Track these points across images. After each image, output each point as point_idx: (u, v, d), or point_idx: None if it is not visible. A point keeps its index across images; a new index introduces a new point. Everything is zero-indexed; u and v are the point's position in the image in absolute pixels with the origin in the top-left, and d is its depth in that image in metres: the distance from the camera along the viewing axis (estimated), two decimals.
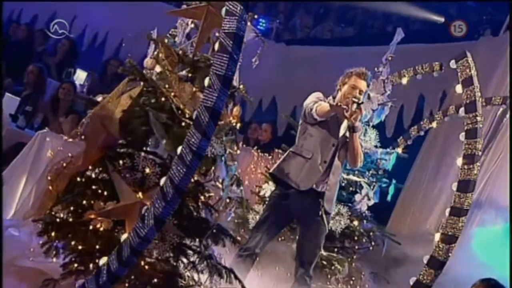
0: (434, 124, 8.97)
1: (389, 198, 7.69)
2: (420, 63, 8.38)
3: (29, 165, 7.07)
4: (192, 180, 4.70)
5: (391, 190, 7.57)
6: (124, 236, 4.02)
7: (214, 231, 4.76)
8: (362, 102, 5.82)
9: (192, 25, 5.07)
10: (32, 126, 8.37)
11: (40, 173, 6.87)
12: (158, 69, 4.84)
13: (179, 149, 3.81)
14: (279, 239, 6.78)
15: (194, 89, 4.75)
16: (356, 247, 7.35)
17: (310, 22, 14.62)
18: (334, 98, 6.13)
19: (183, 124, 4.69)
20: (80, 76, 11.14)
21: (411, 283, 5.28)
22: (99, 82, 11.51)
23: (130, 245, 3.76)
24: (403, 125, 11.81)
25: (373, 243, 7.42)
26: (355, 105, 5.67)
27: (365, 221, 7.32)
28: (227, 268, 4.74)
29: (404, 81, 8.00)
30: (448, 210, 5.23)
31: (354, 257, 7.41)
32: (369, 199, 7.22)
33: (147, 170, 4.64)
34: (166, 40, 4.95)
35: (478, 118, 5.12)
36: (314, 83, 12.57)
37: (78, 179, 4.75)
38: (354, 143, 5.86)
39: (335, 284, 7.08)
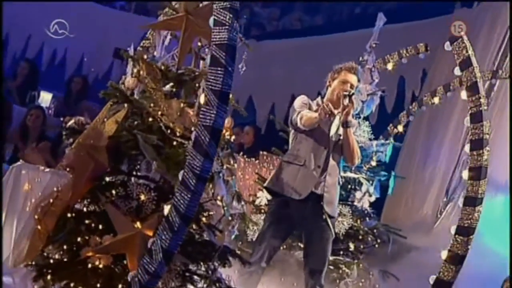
0: (423, 108, 8.92)
1: (390, 191, 7.64)
2: (397, 44, 8.37)
3: (7, 202, 6.89)
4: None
5: (392, 182, 7.52)
6: (131, 274, 3.87)
7: (220, 252, 4.63)
8: (353, 93, 5.74)
9: (170, 37, 4.92)
10: (4, 159, 8.17)
11: (19, 209, 6.72)
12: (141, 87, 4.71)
13: (180, 174, 3.68)
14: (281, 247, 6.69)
15: (181, 104, 4.63)
16: (362, 246, 7.28)
17: (277, 14, 14.52)
18: (322, 97, 6.05)
19: (174, 143, 4.58)
20: (45, 98, 10.95)
21: (431, 281, 5.18)
22: (64, 102, 11.34)
23: (140, 284, 3.63)
24: (386, 110, 11.75)
25: (378, 240, 7.36)
26: (346, 99, 5.61)
27: (367, 218, 7.25)
28: None
29: (390, 66, 7.97)
30: (461, 200, 5.12)
31: (361, 257, 7.35)
32: (370, 195, 7.17)
33: (142, 197, 4.50)
34: (145, 56, 4.80)
35: (482, 100, 5.05)
36: (290, 78, 12.64)
37: (69, 214, 4.59)
38: (349, 139, 5.77)
39: (344, 286, 7.00)
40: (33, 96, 10.75)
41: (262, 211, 6.90)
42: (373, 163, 7.43)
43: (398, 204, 10.54)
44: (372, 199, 7.26)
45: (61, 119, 10.69)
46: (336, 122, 5.79)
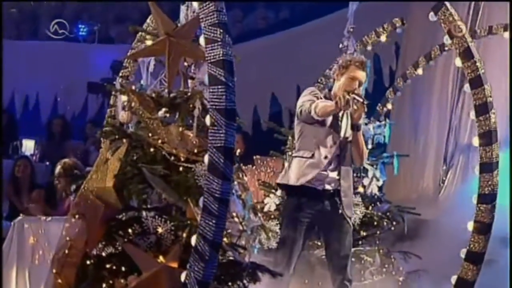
0: (408, 82, 8.84)
1: (396, 172, 7.57)
2: (365, 23, 8.30)
3: (15, 259, 6.78)
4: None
5: (396, 162, 7.44)
6: None
7: (249, 269, 4.52)
8: (368, 102, 5.60)
9: (154, 62, 4.81)
10: (1, 216, 8.03)
11: (29, 263, 6.64)
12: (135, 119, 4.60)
13: (200, 201, 3.57)
14: None
15: (180, 129, 4.52)
16: (378, 232, 7.21)
17: (240, 15, 14.43)
18: (330, 90, 5.94)
19: (180, 169, 4.47)
20: (28, 145, 10.81)
21: (463, 255, 5.10)
22: (48, 145, 11.20)
23: None
24: (367, 90, 11.67)
25: (394, 223, 7.28)
26: (356, 102, 5.45)
27: (378, 203, 7.18)
28: None
29: (370, 47, 7.91)
30: (476, 168, 5.03)
31: (377, 242, 7.28)
32: (377, 180, 7.09)
33: (160, 230, 4.38)
34: (134, 87, 4.68)
35: (478, 64, 4.96)
36: (266, 77, 12.57)
37: (88, 262, 4.47)
38: (358, 142, 5.72)
39: (370, 277, 6.92)
40: (16, 146, 10.62)
41: (272, 216, 6.80)
42: (370, 146, 7.34)
43: (397, 183, 10.45)
44: (380, 183, 7.20)
45: (47, 163, 10.65)
46: (346, 124, 5.70)
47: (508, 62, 10.11)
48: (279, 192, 6.83)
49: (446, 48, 8.30)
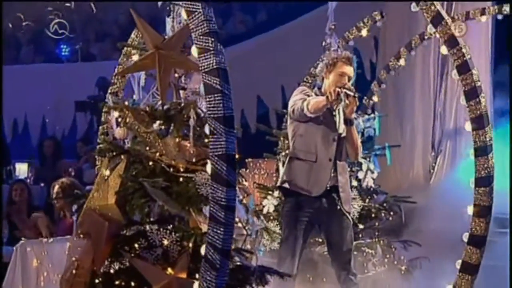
0: (392, 73, 8.82)
1: (389, 162, 7.55)
2: (345, 19, 8.29)
3: (20, 283, 6.72)
4: None
5: (388, 153, 7.43)
6: None
7: (258, 274, 4.48)
8: (359, 95, 5.59)
9: (145, 76, 4.76)
10: (2, 242, 7.95)
11: (34, 286, 6.60)
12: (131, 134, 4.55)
13: (206, 210, 3.52)
14: None
15: (176, 140, 4.47)
16: (377, 224, 7.19)
17: (219, 22, 14.37)
18: (319, 89, 5.91)
19: (180, 179, 4.42)
20: (22, 169, 10.72)
21: (465, 239, 5.07)
22: (41, 167, 11.12)
23: None
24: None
25: (391, 213, 7.26)
26: (347, 96, 5.45)
27: (375, 195, 7.17)
28: None
29: (352, 42, 7.91)
30: (471, 152, 5.01)
31: (377, 234, 7.26)
32: (372, 172, 7.08)
33: (166, 242, 4.34)
34: (126, 103, 4.63)
35: (464, 50, 4.94)
36: (251, 81, 12.51)
37: (97, 280, 4.42)
38: (352, 136, 5.71)
39: (373, 269, 6.90)
40: (9, 170, 10.52)
41: (271, 217, 6.77)
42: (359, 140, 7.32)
43: (387, 173, 10.39)
44: (375, 175, 7.19)
45: (41, 185, 10.55)
46: (341, 120, 5.67)
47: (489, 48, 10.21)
48: (276, 193, 6.80)
49: (425, 37, 8.32)
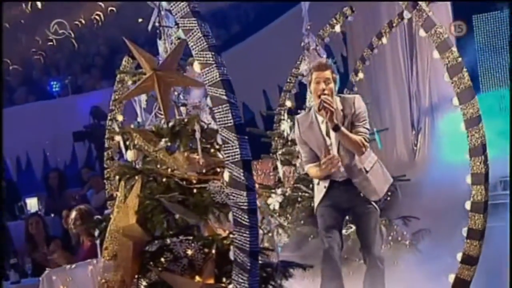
0: (367, 63, 8.77)
1: (379, 146, 7.47)
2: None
3: None
4: (231, 235, 4.39)
5: (377, 138, 7.36)
6: None
7: (281, 268, 4.40)
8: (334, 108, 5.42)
9: (146, 97, 4.67)
10: (26, 274, 7.82)
11: None
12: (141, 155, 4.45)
13: (230, 215, 3.44)
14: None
15: (185, 154, 4.39)
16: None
17: None
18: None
19: (194, 191, 4.34)
20: (32, 203, 10.58)
21: (468, 207, 5.01)
22: (49, 199, 10.99)
23: None
24: None
25: (389, 193, 7.17)
26: (322, 105, 5.32)
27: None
28: None
29: (327, 39, 7.85)
30: (462, 125, 4.94)
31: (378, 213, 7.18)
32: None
33: (189, 252, 4.25)
34: (132, 126, 4.54)
35: (441, 30, 4.87)
36: (235, 91, 12.43)
37: None
38: (345, 139, 5.40)
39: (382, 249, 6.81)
40: (21, 206, 10.38)
41: (277, 214, 6.68)
42: None
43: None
44: None
45: (52, 215, 10.42)
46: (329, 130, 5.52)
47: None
48: (279, 191, 6.71)
49: (394, 25, 8.28)
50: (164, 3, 3.47)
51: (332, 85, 5.46)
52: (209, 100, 3.33)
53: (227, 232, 4.41)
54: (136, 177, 4.36)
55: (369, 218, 5.50)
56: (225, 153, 3.31)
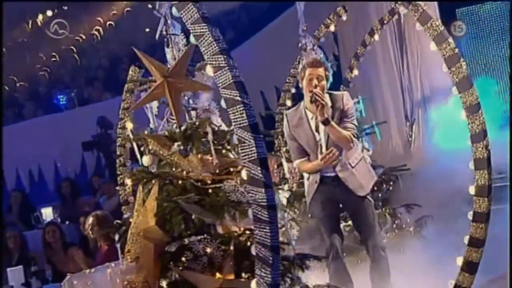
0: (361, 60, 8.71)
1: (379, 137, 7.45)
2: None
3: None
4: (247, 232, 4.34)
5: (377, 130, 7.33)
6: None
7: (297, 261, 4.34)
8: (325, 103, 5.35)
9: (157, 103, 4.61)
10: (47, 281, 7.77)
11: None
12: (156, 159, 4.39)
13: (250, 212, 3.38)
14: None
15: (198, 156, 4.33)
16: (380, 195, 7.08)
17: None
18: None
19: (210, 191, 4.28)
20: (47, 213, 10.53)
21: (472, 191, 4.94)
22: (63, 207, 10.93)
23: None
24: None
25: (391, 183, 7.16)
26: (314, 99, 5.28)
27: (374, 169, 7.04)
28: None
29: (323, 39, 7.80)
30: (462, 113, 4.87)
31: (381, 204, 7.15)
32: (368, 150, 6.95)
33: (209, 250, 4.19)
34: (146, 132, 4.49)
35: (437, 23, 4.81)
36: None
37: None
38: (335, 133, 5.37)
39: (386, 236, 6.78)
40: (37, 216, 10.32)
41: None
42: None
43: None
44: (370, 152, 7.06)
45: (66, 222, 10.35)
46: (319, 124, 5.46)
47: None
48: (286, 187, 6.65)
49: (385, 22, 8.23)
50: (174, 10, 3.38)
51: (324, 82, 5.44)
52: (222, 103, 3.25)
53: (242, 229, 4.36)
54: (153, 181, 4.30)
55: (365, 211, 5.48)
56: (241, 153, 3.24)
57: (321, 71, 5.43)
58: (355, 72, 8.68)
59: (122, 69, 15.94)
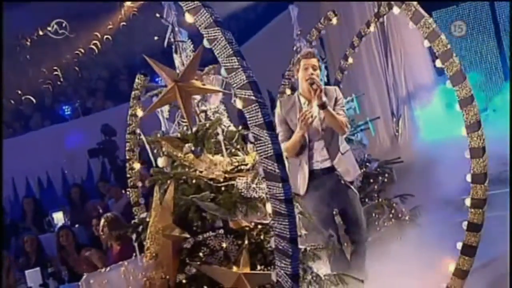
0: (350, 60, 8.63)
1: (373, 133, 7.39)
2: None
3: None
4: (259, 226, 4.27)
5: (371, 126, 7.27)
6: None
7: (309, 252, 4.28)
8: (315, 80, 5.32)
9: (169, 107, 4.53)
10: (64, 281, 7.66)
11: None
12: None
13: (268, 207, 3.31)
14: None
15: (210, 156, 4.26)
16: (376, 187, 7.02)
17: None
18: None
19: (223, 189, 4.21)
20: (59, 217, 10.40)
21: (469, 179, 4.88)
22: (72, 212, 10.81)
23: None
24: None
25: (386, 175, 7.10)
26: (313, 85, 5.25)
27: (368, 163, 6.99)
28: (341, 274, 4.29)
29: (315, 42, 7.74)
30: (456, 106, 4.81)
31: (377, 195, 7.09)
32: (364, 145, 6.90)
33: (224, 245, 4.12)
34: (158, 135, 4.40)
35: (430, 21, 4.75)
36: (228, 98, 12.28)
37: None
38: (330, 117, 5.33)
39: (384, 225, 6.73)
40: (49, 221, 10.21)
41: None
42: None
43: None
44: (366, 147, 7.01)
45: (76, 225, 10.23)
46: (315, 108, 5.40)
47: None
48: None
49: (371, 24, 8.17)
50: (187, 16, 3.30)
51: (318, 71, 5.48)
52: (238, 103, 3.17)
53: (252, 224, 4.29)
54: (168, 181, 4.22)
55: (353, 203, 5.45)
56: (258, 150, 3.16)
57: (314, 61, 5.47)
58: (346, 72, 8.61)
59: (121, 79, 15.88)
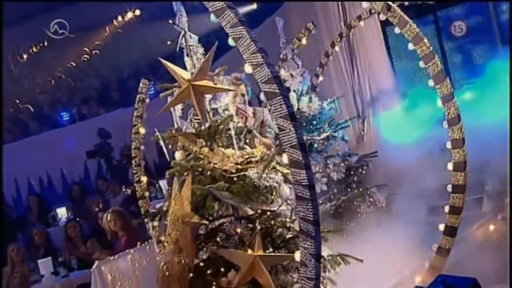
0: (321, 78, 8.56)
1: (351, 129, 7.28)
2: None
3: None
4: (268, 213, 4.11)
5: (350, 124, 7.16)
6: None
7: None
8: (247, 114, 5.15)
9: (182, 106, 4.34)
10: (72, 269, 7.40)
11: None
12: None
13: (292, 192, 3.15)
14: None
15: (223, 149, 4.09)
16: (356, 178, 6.92)
17: None
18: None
19: (235, 179, 4.04)
20: (62, 212, 10.09)
21: (450, 167, 4.79)
22: (74, 207, 10.51)
23: None
24: None
25: (364, 167, 7.00)
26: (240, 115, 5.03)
27: (349, 157, 6.89)
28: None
29: (304, 42, 7.60)
30: (439, 102, 4.72)
31: (357, 186, 6.99)
32: (346, 141, 6.79)
33: (239, 230, 3.96)
34: (173, 131, 4.21)
35: (414, 26, 4.66)
36: None
37: (191, 274, 3.98)
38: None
39: (364, 212, 6.63)
40: (53, 215, 9.90)
41: None
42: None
43: None
44: (348, 142, 6.90)
45: (77, 219, 9.94)
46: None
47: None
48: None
49: (344, 35, 8.10)
50: (212, 17, 3.13)
51: (246, 96, 5.26)
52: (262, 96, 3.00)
53: (259, 211, 4.14)
54: (185, 173, 4.03)
55: None
56: (282, 139, 3.01)
57: (242, 88, 5.26)
58: (321, 78, 8.53)
59: (112, 89, 15.59)
